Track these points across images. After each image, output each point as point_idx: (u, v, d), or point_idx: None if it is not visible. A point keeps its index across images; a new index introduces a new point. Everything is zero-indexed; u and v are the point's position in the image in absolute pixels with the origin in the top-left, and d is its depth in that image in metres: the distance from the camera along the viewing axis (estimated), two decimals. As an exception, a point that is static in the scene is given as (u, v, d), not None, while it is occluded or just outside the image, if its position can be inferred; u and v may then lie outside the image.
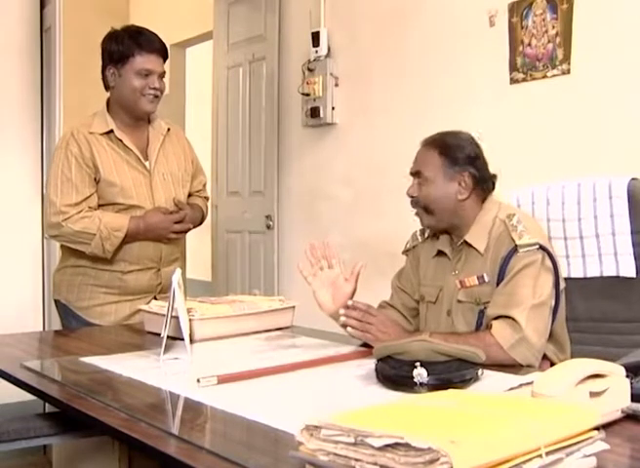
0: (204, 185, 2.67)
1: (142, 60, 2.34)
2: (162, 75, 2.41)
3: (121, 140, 2.40)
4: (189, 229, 2.51)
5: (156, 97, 2.40)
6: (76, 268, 2.43)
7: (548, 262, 1.75)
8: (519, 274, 1.72)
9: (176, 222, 2.42)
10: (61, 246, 2.53)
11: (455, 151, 1.84)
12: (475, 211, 1.85)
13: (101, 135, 2.39)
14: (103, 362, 1.71)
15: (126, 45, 2.35)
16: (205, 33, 4.94)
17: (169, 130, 2.53)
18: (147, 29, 2.45)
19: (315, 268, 1.91)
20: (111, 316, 2.40)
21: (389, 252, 2.88)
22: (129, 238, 2.35)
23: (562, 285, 1.82)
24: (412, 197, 1.88)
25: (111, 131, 2.40)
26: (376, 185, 3.49)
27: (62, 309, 2.47)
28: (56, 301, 2.52)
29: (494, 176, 1.89)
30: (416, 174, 1.88)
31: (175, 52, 5.48)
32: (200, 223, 2.62)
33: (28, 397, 1.63)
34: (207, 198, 2.69)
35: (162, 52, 2.41)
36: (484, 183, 1.86)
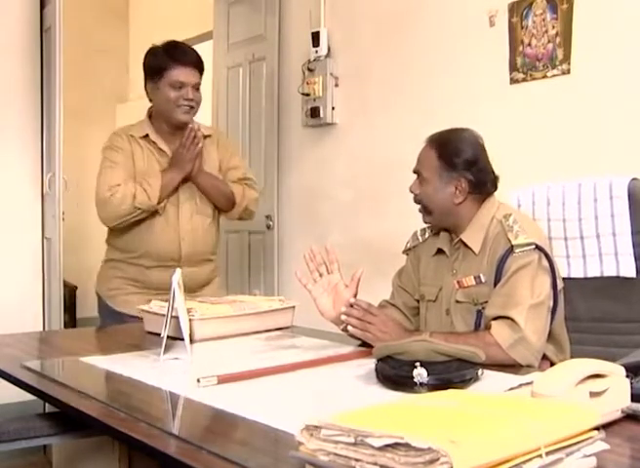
0: (243, 175, 2.69)
1: (176, 73, 2.47)
2: (196, 86, 2.51)
3: (155, 143, 2.54)
4: (199, 148, 2.50)
5: (192, 107, 2.52)
6: (109, 262, 2.63)
7: (545, 262, 1.75)
8: (516, 275, 1.72)
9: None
10: (106, 241, 2.68)
11: (452, 156, 1.83)
12: (472, 211, 1.85)
13: (140, 138, 2.54)
14: (104, 362, 1.71)
15: (161, 59, 2.49)
16: (205, 33, 4.93)
17: (205, 137, 2.60)
18: (183, 43, 2.60)
19: (314, 275, 1.90)
20: (133, 304, 2.46)
21: (391, 252, 2.87)
22: (167, 183, 2.47)
23: (560, 285, 1.82)
24: (414, 194, 1.90)
25: (147, 135, 2.54)
26: (376, 185, 3.49)
27: (98, 300, 2.67)
28: (96, 293, 2.71)
29: (495, 179, 1.88)
30: (417, 172, 1.89)
31: (175, 52, 5.48)
32: (232, 201, 2.62)
33: (28, 397, 1.63)
34: (247, 184, 2.68)
35: (197, 64, 2.52)
36: (482, 187, 1.85)
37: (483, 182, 1.85)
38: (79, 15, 5.03)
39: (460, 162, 1.83)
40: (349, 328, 1.77)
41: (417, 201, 1.91)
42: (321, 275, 1.90)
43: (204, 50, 5.22)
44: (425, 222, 1.95)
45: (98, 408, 1.35)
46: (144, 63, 2.57)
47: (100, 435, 1.71)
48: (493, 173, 1.88)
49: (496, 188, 1.89)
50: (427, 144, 1.89)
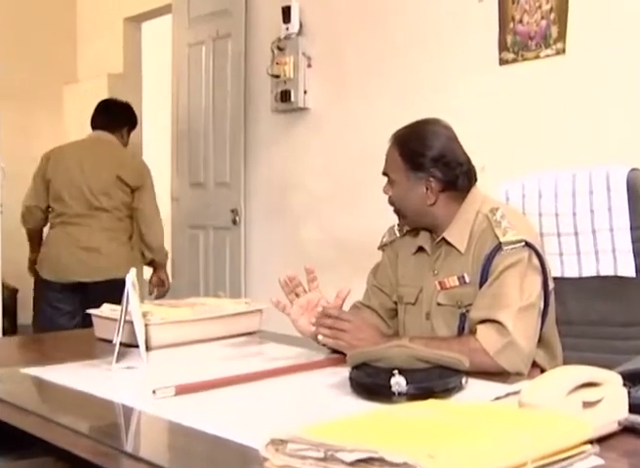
0: None
1: None
2: None
3: None
4: None
5: None
6: None
7: (535, 261, 1.76)
8: (504, 274, 1.73)
9: None
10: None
11: (417, 156, 1.84)
12: (452, 209, 1.86)
13: None
14: (47, 373, 1.69)
15: None
16: (163, 6, 4.91)
17: None
18: None
19: (291, 296, 1.90)
20: None
21: (368, 248, 2.88)
22: None
23: (551, 285, 1.83)
24: (387, 195, 1.91)
25: None
26: (352, 176, 3.50)
27: None
28: None
29: (469, 171, 1.87)
30: (385, 174, 1.91)
31: (129, 27, 5.43)
32: None
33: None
34: None
35: None
36: (454, 184, 1.85)
37: (454, 178, 1.85)
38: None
39: (425, 161, 1.83)
40: (319, 337, 1.76)
41: (390, 203, 1.92)
42: (297, 295, 1.90)
43: (162, 25, 5.21)
44: (401, 224, 1.96)
45: (38, 424, 1.34)
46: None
47: (42, 456, 1.70)
48: (467, 163, 1.87)
49: (474, 180, 1.89)
50: (391, 144, 1.90)
